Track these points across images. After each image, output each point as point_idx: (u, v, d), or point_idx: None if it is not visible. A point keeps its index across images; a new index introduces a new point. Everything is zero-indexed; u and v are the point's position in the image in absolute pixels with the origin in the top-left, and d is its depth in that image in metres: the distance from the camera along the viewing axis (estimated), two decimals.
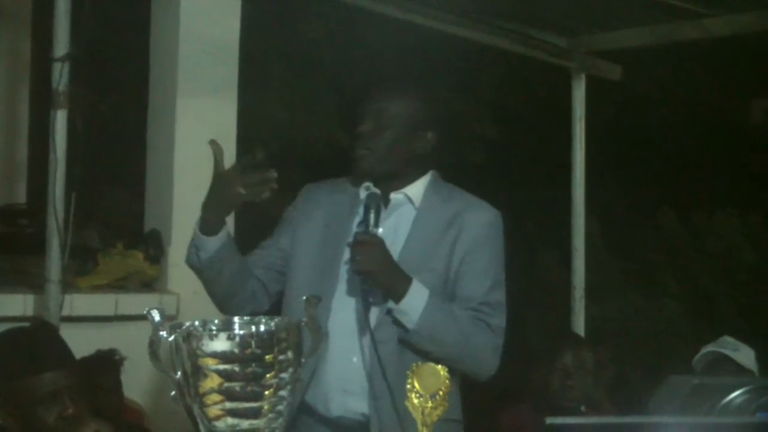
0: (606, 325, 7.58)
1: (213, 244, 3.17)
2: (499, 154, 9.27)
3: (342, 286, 3.24)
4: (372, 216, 3.17)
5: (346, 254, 3.24)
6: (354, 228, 3.27)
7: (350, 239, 3.22)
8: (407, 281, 3.14)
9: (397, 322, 3.17)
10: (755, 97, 11.03)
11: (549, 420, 1.99)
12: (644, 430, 2.10)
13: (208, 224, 3.18)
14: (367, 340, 3.18)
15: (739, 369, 4.41)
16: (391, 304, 3.15)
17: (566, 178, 5.60)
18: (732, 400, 2.37)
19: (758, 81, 10.41)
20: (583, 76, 5.51)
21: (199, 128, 5.13)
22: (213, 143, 3.12)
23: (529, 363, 4.59)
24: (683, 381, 2.50)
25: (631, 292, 9.26)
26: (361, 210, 3.30)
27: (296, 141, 8.54)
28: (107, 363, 4.32)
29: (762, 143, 10.48)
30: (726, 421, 2.29)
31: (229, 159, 5.13)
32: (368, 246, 3.12)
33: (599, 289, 7.22)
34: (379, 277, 3.12)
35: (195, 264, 3.23)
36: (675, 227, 9.58)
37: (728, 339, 4.61)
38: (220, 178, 3.13)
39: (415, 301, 3.14)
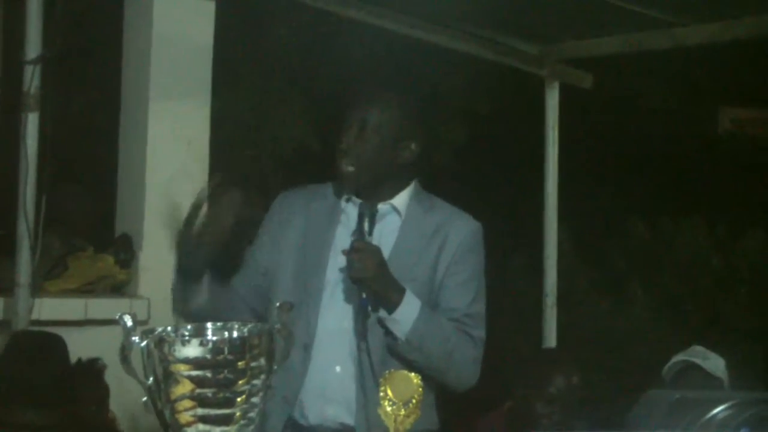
0: (574, 333, 7.59)
1: (201, 291, 3.14)
2: (469, 160, 9.28)
3: (327, 294, 3.24)
4: (367, 224, 3.17)
5: (332, 262, 3.24)
6: (337, 237, 3.27)
7: (333, 246, 3.23)
8: (401, 291, 3.15)
9: (387, 332, 3.17)
10: (723, 106, 11.11)
11: None
12: None
13: (193, 272, 3.13)
14: (352, 349, 3.18)
15: (709, 378, 4.44)
16: (382, 313, 3.16)
17: (537, 184, 5.62)
18: (714, 415, 2.37)
19: (726, 90, 10.48)
20: (556, 84, 5.53)
21: (171, 131, 5.13)
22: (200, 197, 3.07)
23: (509, 376, 4.55)
24: (664, 395, 2.51)
25: (599, 300, 9.29)
26: (343, 219, 3.30)
27: (267, 145, 8.52)
28: (89, 374, 4.28)
29: (729, 152, 10.55)
30: None
31: (202, 162, 5.18)
32: (365, 253, 3.12)
33: (567, 297, 7.23)
34: (374, 285, 3.12)
35: (185, 314, 3.17)
36: (643, 235, 9.62)
37: (698, 348, 4.64)
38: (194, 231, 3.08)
39: (408, 311, 3.15)
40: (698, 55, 8.03)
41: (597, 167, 9.58)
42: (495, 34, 5.51)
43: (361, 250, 3.13)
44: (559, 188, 5.55)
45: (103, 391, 4.24)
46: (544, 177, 5.54)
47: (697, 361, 4.50)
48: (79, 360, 4.32)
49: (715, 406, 2.42)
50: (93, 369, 4.29)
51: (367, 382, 3.13)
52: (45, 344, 3.57)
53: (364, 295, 3.13)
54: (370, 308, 3.14)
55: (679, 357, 4.58)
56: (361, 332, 3.14)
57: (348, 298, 3.20)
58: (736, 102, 11.02)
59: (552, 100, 5.55)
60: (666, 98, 10.19)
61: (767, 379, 7.38)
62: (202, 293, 3.13)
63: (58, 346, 3.75)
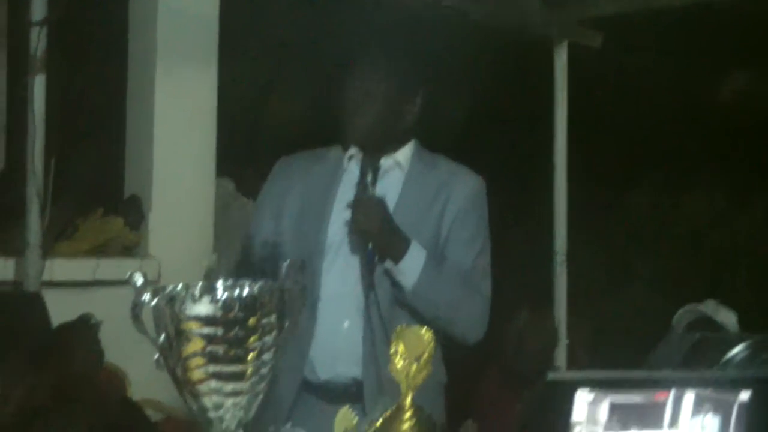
0: (584, 292, 7.60)
1: None
2: (478, 122, 9.26)
3: (331, 252, 3.25)
4: (370, 177, 3.18)
5: (334, 219, 3.25)
6: (339, 194, 3.28)
7: (336, 204, 3.24)
8: (406, 241, 3.17)
9: (394, 283, 3.18)
10: (724, 78, 11.04)
11: (551, 375, 1.99)
12: (646, 385, 2.12)
13: None
14: (360, 303, 3.19)
15: (720, 331, 4.45)
16: (388, 264, 3.17)
17: (546, 146, 5.62)
18: (734, 355, 2.38)
19: (727, 60, 10.41)
20: (564, 44, 5.50)
21: (179, 94, 5.13)
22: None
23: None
24: (684, 337, 2.52)
25: (608, 260, 9.29)
26: (345, 177, 3.31)
27: (270, 117, 8.52)
28: (80, 331, 4.26)
29: (729, 124, 10.50)
30: (729, 375, 2.30)
31: (209, 128, 5.17)
32: (369, 206, 3.13)
33: (577, 256, 7.23)
34: (380, 237, 3.14)
35: None
36: (643, 209, 9.61)
37: (711, 301, 4.66)
38: None
39: (414, 261, 3.16)
40: (701, 23, 7.98)
41: (594, 143, 9.56)
42: None
43: (365, 202, 3.15)
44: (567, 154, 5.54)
45: (96, 347, 4.23)
46: (553, 136, 5.53)
47: (708, 311, 4.53)
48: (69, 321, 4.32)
49: (735, 346, 2.43)
50: (84, 325, 4.27)
51: (377, 335, 3.15)
52: (22, 304, 3.55)
53: (370, 246, 3.14)
54: (376, 259, 3.15)
55: (690, 306, 4.60)
56: (369, 284, 3.16)
57: (353, 253, 3.22)
58: (743, 65, 10.96)
59: (560, 61, 5.54)
60: (665, 71, 10.15)
61: None
62: None
63: (35, 304, 3.74)
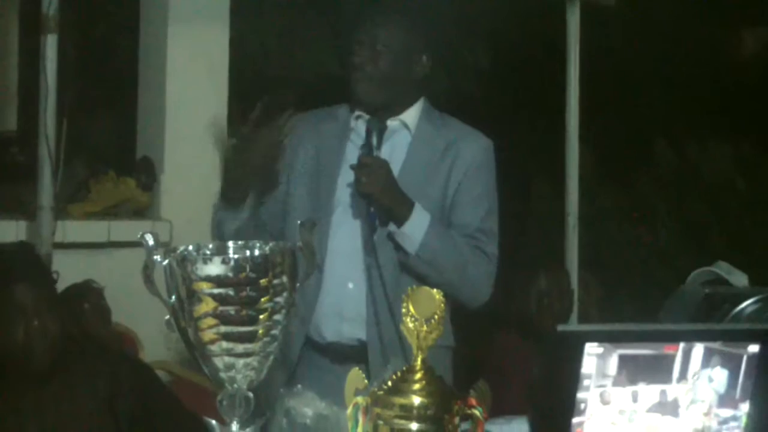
0: (598, 254, 7.59)
1: (245, 212, 3.15)
2: (492, 84, 9.23)
3: (338, 212, 3.25)
4: (374, 139, 3.17)
5: (341, 180, 3.24)
6: (347, 154, 3.26)
7: (343, 164, 3.22)
8: (410, 204, 3.15)
9: (397, 246, 3.17)
10: (747, 28, 10.97)
11: (560, 327, 1.99)
12: (655, 338, 2.12)
13: (233, 197, 3.14)
14: (363, 265, 3.18)
15: None
16: (392, 227, 3.16)
17: (560, 107, 5.58)
18: (744, 308, 2.38)
19: (750, 11, 10.34)
20: (577, 3, 5.46)
21: (191, 55, 5.12)
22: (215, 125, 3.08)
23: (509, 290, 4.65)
24: (694, 290, 2.52)
25: (624, 222, 9.27)
26: (353, 137, 3.30)
27: (288, 70, 8.48)
28: (85, 294, 4.28)
29: (754, 74, 10.44)
30: (738, 328, 2.30)
31: (221, 87, 5.16)
32: (373, 168, 3.12)
33: (591, 219, 7.22)
34: (383, 199, 3.12)
35: (219, 237, 3.17)
36: (669, 157, 9.57)
37: (723, 263, 4.67)
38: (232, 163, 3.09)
39: (417, 225, 3.15)
40: None
41: (621, 91, 9.51)
42: None
43: (369, 164, 3.13)
44: (582, 112, 5.51)
45: (103, 308, 4.24)
46: (566, 97, 5.50)
47: (721, 273, 4.54)
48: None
49: (744, 300, 2.43)
50: (88, 286, 4.28)
51: (378, 298, 3.15)
52: (9, 244, 3.55)
53: (372, 209, 3.13)
54: (377, 222, 3.14)
55: (703, 269, 4.62)
56: (368, 247, 3.15)
57: (358, 215, 3.21)
58: (760, 23, 10.88)
59: (573, 19, 5.49)
60: (689, 20, 10.08)
61: None
62: (239, 218, 3.14)
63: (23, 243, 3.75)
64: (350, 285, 3.22)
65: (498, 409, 2.32)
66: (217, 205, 3.19)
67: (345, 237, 3.22)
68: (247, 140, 3.10)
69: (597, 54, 5.94)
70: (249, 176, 3.13)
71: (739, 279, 4.55)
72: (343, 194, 3.25)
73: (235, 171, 3.12)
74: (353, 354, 3.19)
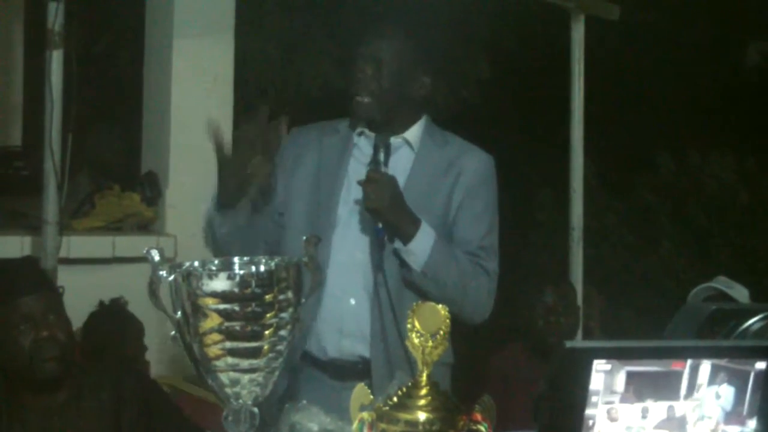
0: (601, 266, 7.59)
1: (237, 216, 3.14)
2: (495, 94, 9.24)
3: (341, 228, 3.24)
4: (382, 155, 3.17)
5: (344, 195, 3.24)
6: (350, 170, 3.27)
7: (345, 180, 3.23)
8: (416, 222, 3.15)
9: (402, 263, 3.17)
10: (752, 39, 10.99)
11: (568, 344, 1.99)
12: (662, 355, 2.12)
13: (227, 200, 3.14)
14: (365, 281, 3.18)
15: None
16: (398, 244, 3.16)
17: (563, 118, 5.59)
18: (750, 325, 2.38)
19: (755, 23, 10.36)
20: (582, 17, 5.47)
21: (196, 68, 5.12)
22: (211, 125, 3.08)
23: (516, 304, 4.66)
24: (700, 307, 2.51)
25: (627, 234, 9.28)
26: (355, 152, 3.30)
27: (291, 82, 8.50)
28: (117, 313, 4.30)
29: (757, 85, 10.46)
30: (745, 345, 2.30)
31: (226, 100, 5.17)
32: (381, 184, 3.12)
33: (594, 231, 7.22)
34: (390, 216, 3.12)
35: (210, 240, 3.19)
36: (671, 168, 9.58)
37: (723, 278, 4.70)
38: (226, 163, 3.10)
39: (423, 242, 3.15)
40: None
41: (624, 102, 9.52)
42: None
43: (377, 180, 3.13)
44: (585, 122, 5.51)
45: (138, 326, 4.25)
46: (570, 110, 5.50)
47: (722, 288, 4.57)
48: (101, 302, 4.35)
49: (751, 317, 2.42)
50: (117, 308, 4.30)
51: (385, 314, 3.14)
52: (15, 259, 3.59)
53: (379, 225, 3.13)
54: (386, 239, 3.14)
55: (704, 284, 4.65)
56: (377, 264, 3.15)
57: (361, 231, 3.21)
58: (765, 35, 10.90)
59: (577, 34, 5.50)
60: (693, 31, 10.10)
61: None
62: (228, 223, 3.14)
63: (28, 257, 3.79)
64: (352, 301, 3.21)
65: (503, 424, 2.32)
66: (209, 204, 3.18)
67: (346, 252, 3.22)
68: (237, 142, 3.11)
69: (600, 66, 5.95)
70: (238, 179, 3.12)
71: (740, 292, 4.58)
72: (345, 209, 3.25)
73: (224, 172, 3.12)
74: (355, 370, 3.18)
